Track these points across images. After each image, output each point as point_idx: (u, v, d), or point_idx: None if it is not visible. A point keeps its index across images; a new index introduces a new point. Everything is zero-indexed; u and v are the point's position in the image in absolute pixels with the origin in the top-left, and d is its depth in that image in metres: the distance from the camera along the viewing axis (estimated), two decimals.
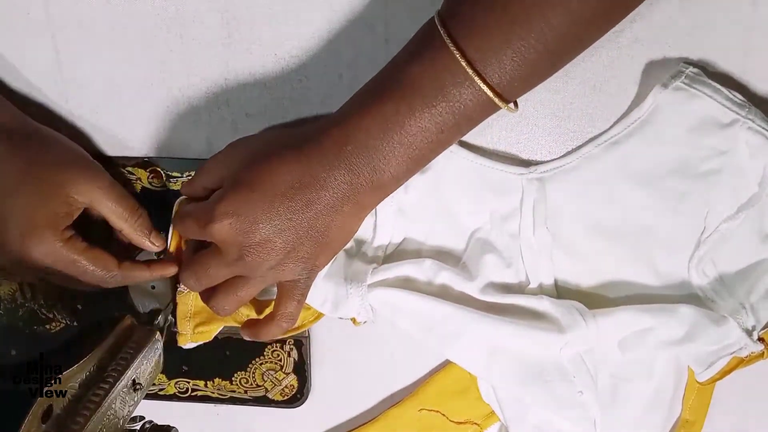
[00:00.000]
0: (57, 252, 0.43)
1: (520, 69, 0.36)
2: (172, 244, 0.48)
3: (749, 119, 0.43)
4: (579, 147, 0.47)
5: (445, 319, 0.46)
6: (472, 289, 0.47)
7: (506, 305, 0.47)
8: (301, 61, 0.47)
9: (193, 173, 0.50)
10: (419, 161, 0.40)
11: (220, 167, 0.43)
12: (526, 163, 0.48)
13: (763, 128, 0.43)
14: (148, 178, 0.50)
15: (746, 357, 0.46)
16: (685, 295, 0.47)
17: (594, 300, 0.48)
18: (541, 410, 0.48)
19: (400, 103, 0.38)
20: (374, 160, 0.39)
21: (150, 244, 0.48)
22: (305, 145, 0.40)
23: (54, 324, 0.55)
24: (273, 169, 0.40)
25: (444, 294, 0.47)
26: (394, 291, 0.46)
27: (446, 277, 0.47)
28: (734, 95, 0.43)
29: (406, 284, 0.47)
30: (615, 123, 0.46)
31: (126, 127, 0.50)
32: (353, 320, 0.48)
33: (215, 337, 0.53)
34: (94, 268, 0.45)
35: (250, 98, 0.49)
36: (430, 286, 0.47)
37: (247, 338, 0.46)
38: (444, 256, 0.49)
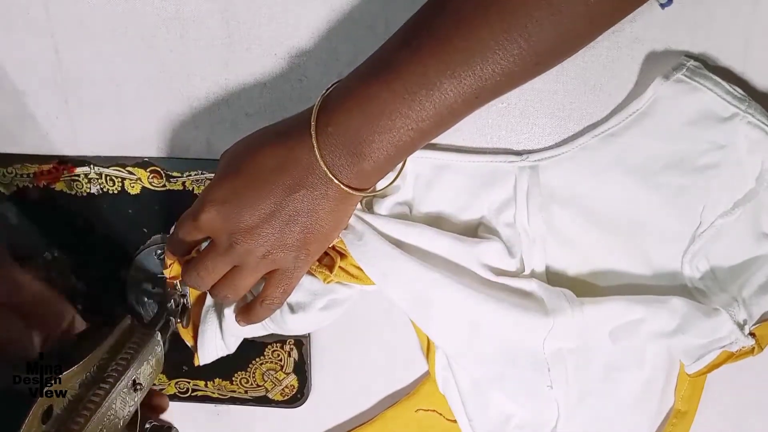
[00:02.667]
0: None
1: (504, 64, 0.36)
2: (167, 272, 0.48)
3: (749, 113, 0.43)
4: (575, 137, 0.47)
5: (434, 283, 0.45)
6: (468, 262, 0.47)
7: (495, 283, 0.47)
8: (301, 61, 0.47)
9: (193, 173, 0.50)
10: (400, 150, 0.39)
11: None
12: (519, 152, 0.48)
13: (763, 123, 0.43)
14: (148, 178, 0.50)
15: (736, 352, 0.46)
16: (677, 288, 0.47)
17: (585, 289, 0.48)
18: (505, 395, 0.48)
19: (383, 87, 0.38)
20: (354, 143, 0.38)
21: None
22: (289, 130, 0.40)
23: None
24: (257, 154, 0.40)
25: (437, 263, 0.46)
26: (391, 249, 0.45)
27: (444, 245, 0.46)
28: (734, 89, 0.43)
29: (403, 245, 0.46)
30: (613, 114, 0.46)
31: (126, 127, 0.50)
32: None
33: None
34: None
35: (250, 98, 0.49)
36: (424, 252, 0.47)
37: (240, 323, 0.46)
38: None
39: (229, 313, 0.47)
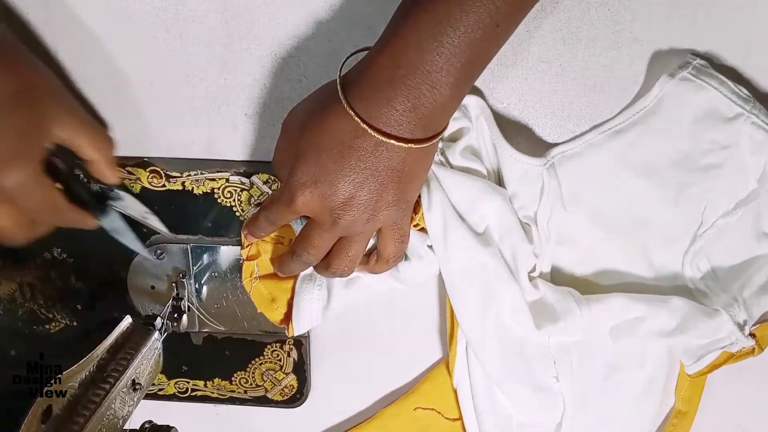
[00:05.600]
0: (31, 182, 0.41)
1: None
2: (245, 252, 0.48)
3: (753, 114, 0.43)
4: (583, 133, 0.47)
5: (483, 267, 0.45)
6: (515, 248, 0.47)
7: (519, 282, 0.47)
8: (300, 61, 0.47)
9: (192, 173, 0.50)
10: (476, 64, 0.38)
11: (288, 154, 0.42)
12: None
13: (767, 124, 0.43)
14: (147, 178, 0.50)
15: (737, 352, 0.46)
16: (678, 288, 0.47)
17: (586, 287, 0.48)
18: (514, 389, 0.49)
19: (450, 3, 0.36)
20: (431, 75, 0.37)
21: (113, 177, 0.46)
22: (355, 88, 0.39)
23: (54, 324, 0.55)
24: (331, 125, 0.39)
25: (490, 242, 0.46)
26: (454, 219, 0.45)
27: (506, 224, 0.46)
28: (740, 89, 0.43)
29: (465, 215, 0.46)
30: (620, 111, 0.46)
31: (126, 127, 0.50)
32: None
33: (215, 337, 0.53)
34: (48, 205, 0.43)
35: (250, 98, 0.49)
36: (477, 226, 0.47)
37: (361, 273, 0.46)
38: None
39: (337, 282, 0.48)
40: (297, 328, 0.49)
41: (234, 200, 0.50)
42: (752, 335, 0.46)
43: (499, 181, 0.47)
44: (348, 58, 0.41)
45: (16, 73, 0.42)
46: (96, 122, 0.46)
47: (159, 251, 0.52)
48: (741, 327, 0.45)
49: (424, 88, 0.37)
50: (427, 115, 0.38)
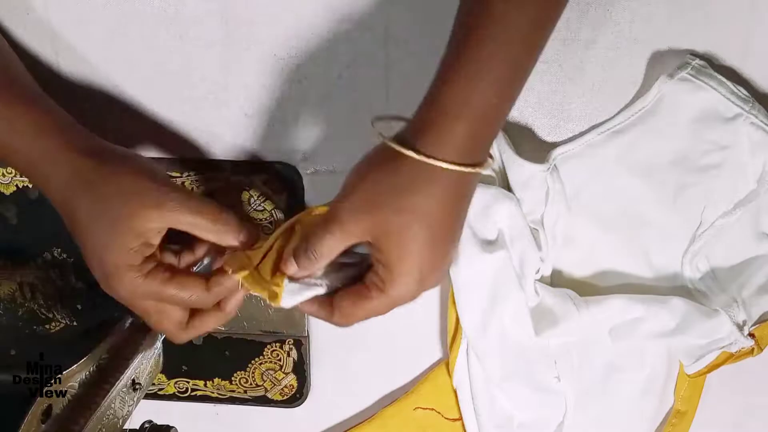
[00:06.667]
0: (139, 288, 0.40)
1: None
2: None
3: (752, 114, 0.43)
4: (582, 134, 0.47)
5: (495, 274, 0.45)
6: (522, 255, 0.47)
7: (522, 288, 0.47)
8: (300, 62, 0.47)
9: (192, 174, 0.50)
10: (513, 86, 0.36)
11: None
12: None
13: (766, 124, 0.43)
14: None
15: (736, 352, 0.46)
16: (677, 288, 0.47)
17: (586, 288, 0.48)
18: (515, 390, 0.49)
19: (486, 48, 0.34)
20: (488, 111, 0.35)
21: (241, 243, 0.43)
22: (428, 137, 0.35)
23: (54, 324, 0.55)
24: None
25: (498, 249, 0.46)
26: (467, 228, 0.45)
27: (517, 230, 0.46)
28: (739, 89, 0.43)
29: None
30: (619, 111, 0.46)
31: (126, 127, 0.50)
32: None
33: (215, 337, 0.53)
34: (182, 296, 0.41)
35: (250, 99, 0.49)
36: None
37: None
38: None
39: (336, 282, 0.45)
40: (286, 302, 0.44)
41: (234, 200, 0.50)
42: (751, 335, 0.46)
43: (506, 185, 0.47)
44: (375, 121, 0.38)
45: (92, 185, 0.40)
46: (198, 200, 0.41)
47: None
48: (740, 327, 0.45)
49: (482, 124, 0.35)
50: (484, 146, 0.36)
